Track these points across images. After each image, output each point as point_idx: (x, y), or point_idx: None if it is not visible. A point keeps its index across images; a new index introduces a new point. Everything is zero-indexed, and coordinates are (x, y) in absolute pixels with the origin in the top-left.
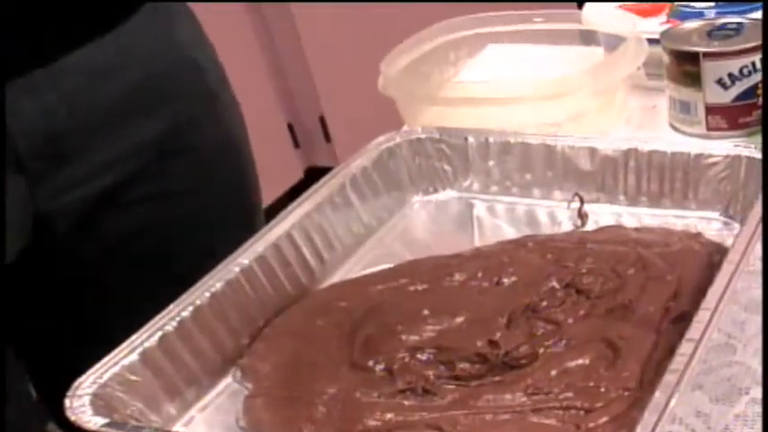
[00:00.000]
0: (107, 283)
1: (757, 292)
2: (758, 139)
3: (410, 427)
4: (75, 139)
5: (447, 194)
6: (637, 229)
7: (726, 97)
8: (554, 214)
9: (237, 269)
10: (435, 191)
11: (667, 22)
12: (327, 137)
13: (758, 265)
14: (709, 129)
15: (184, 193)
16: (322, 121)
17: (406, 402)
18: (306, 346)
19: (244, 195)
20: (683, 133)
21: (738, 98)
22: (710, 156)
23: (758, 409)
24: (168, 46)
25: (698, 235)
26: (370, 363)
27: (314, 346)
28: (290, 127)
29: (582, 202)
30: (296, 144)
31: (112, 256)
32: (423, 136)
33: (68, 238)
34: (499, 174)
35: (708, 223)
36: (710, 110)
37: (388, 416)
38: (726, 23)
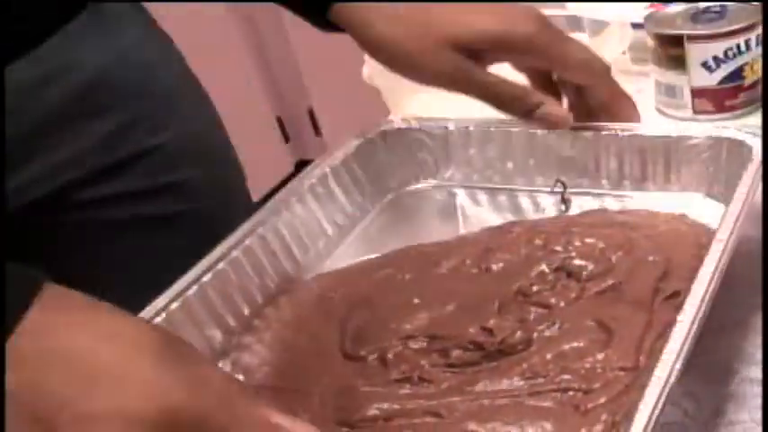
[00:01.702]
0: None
1: (745, 272)
2: (744, 121)
3: (408, 415)
4: (15, 147)
5: (429, 184)
6: (621, 212)
7: (711, 80)
8: (537, 201)
9: (224, 260)
10: (417, 181)
11: (651, 6)
12: (317, 130)
13: (747, 245)
14: (695, 112)
15: (147, 193)
16: (311, 114)
17: (401, 391)
18: (296, 338)
19: (226, 194)
20: (670, 117)
21: (724, 81)
22: (692, 138)
23: (748, 388)
24: (112, 47)
25: (682, 216)
26: (363, 353)
27: (304, 336)
28: (280, 121)
29: (565, 187)
30: (286, 138)
31: (74, 253)
32: (402, 126)
33: (25, 234)
34: (481, 162)
35: (691, 204)
36: (696, 93)
37: (386, 405)
38: (710, 6)
